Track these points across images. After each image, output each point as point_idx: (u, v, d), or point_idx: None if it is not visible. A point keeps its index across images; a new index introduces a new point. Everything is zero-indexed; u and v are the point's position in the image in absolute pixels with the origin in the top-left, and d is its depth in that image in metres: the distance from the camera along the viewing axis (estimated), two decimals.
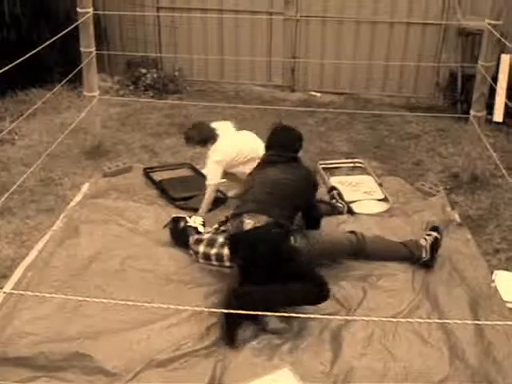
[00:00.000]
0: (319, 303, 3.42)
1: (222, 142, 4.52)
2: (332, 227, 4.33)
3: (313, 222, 4.05)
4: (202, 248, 3.92)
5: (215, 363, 3.16)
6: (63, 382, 3.01)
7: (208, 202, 4.50)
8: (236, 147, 4.56)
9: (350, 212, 4.64)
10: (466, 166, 5.42)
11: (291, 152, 3.88)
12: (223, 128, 4.66)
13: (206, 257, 3.90)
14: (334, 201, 4.68)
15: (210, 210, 4.53)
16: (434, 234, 4.03)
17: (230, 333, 3.28)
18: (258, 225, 3.41)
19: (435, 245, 3.99)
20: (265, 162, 3.89)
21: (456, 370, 3.12)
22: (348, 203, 4.70)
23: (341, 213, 4.62)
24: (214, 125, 4.64)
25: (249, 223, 3.43)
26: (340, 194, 4.73)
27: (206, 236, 3.98)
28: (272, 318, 3.30)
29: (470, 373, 3.10)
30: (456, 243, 4.19)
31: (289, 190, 3.65)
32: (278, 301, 3.39)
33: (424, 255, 3.95)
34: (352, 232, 4.01)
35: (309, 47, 7.78)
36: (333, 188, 4.82)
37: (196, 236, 3.99)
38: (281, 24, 7.74)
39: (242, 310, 2.89)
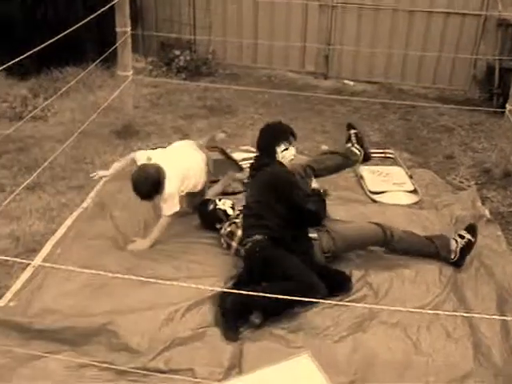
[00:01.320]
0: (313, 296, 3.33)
1: (168, 185, 3.95)
2: (359, 217, 4.29)
3: (307, 221, 3.75)
4: (234, 244, 3.91)
5: (235, 347, 3.17)
6: (87, 356, 3.05)
7: (162, 231, 4.03)
8: (181, 180, 4.08)
9: (367, 159, 4.23)
10: (498, 161, 5.33)
11: (266, 154, 3.83)
12: (159, 158, 4.05)
13: (238, 253, 3.89)
14: (349, 145, 4.21)
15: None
16: (468, 236, 3.87)
17: (227, 330, 3.28)
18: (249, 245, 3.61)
19: (467, 249, 3.86)
20: (250, 170, 4.00)
21: (480, 367, 3.08)
22: (366, 149, 4.21)
23: (355, 162, 4.20)
24: (146, 155, 4.09)
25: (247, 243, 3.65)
26: (358, 138, 4.21)
27: (239, 233, 3.92)
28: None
29: (494, 370, 3.06)
30: (485, 239, 4.13)
31: (260, 204, 3.70)
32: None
33: (452, 257, 3.86)
34: (379, 225, 3.87)
35: (344, 35, 7.70)
36: (351, 126, 4.32)
37: (228, 228, 3.98)
38: (316, 10, 7.68)
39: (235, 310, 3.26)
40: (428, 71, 7.62)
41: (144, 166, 3.94)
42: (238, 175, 4.79)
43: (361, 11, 7.56)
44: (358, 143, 4.18)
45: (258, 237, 3.60)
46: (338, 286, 3.61)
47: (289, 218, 3.62)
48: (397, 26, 7.49)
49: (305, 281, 3.39)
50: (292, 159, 3.86)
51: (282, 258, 3.51)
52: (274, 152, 3.80)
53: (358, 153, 4.16)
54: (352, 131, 4.23)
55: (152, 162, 3.97)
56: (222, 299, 3.38)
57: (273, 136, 3.84)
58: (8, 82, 6.89)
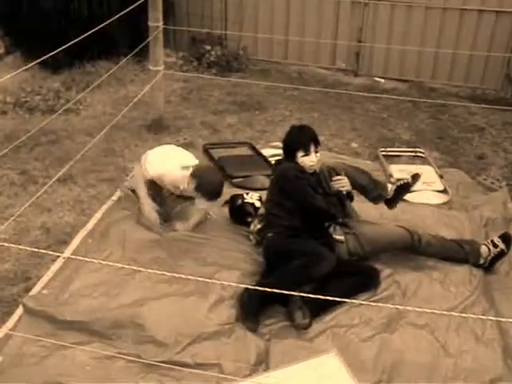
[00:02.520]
0: (322, 272, 3.43)
1: None
2: (389, 216, 4.26)
3: (314, 217, 3.74)
4: None
5: (262, 342, 3.18)
6: (115, 348, 3.09)
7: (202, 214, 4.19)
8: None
9: (389, 205, 4.00)
10: None
11: (287, 156, 3.86)
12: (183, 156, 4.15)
13: None
14: (392, 180, 4.13)
15: None
16: (502, 246, 3.80)
17: (246, 320, 3.32)
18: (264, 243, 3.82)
19: (498, 258, 3.82)
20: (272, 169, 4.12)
21: (509, 371, 3.05)
22: (396, 199, 3.97)
23: (378, 196, 3.95)
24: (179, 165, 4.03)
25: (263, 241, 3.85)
26: (403, 187, 3.94)
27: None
28: (298, 313, 3.31)
29: None
30: None
31: (271, 202, 3.84)
32: (289, 281, 3.35)
33: (481, 262, 3.82)
34: (407, 229, 3.81)
35: (375, 32, 7.63)
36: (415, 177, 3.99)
37: (258, 225, 3.98)
38: (348, 7, 7.62)
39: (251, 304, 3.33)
40: (460, 70, 7.50)
41: (204, 169, 3.95)
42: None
43: (393, 8, 7.47)
44: (398, 189, 3.95)
45: (269, 235, 3.73)
46: (366, 281, 3.61)
47: (300, 215, 3.67)
48: (429, 23, 7.38)
49: (309, 252, 3.46)
50: (312, 165, 3.78)
51: (291, 244, 3.61)
52: (294, 156, 3.80)
53: (389, 193, 3.95)
54: (409, 179, 3.95)
55: (188, 166, 3.96)
56: (241, 294, 3.42)
57: (293, 141, 3.83)
58: (41, 75, 6.97)
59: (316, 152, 3.79)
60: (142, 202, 4.08)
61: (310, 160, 3.77)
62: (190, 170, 3.91)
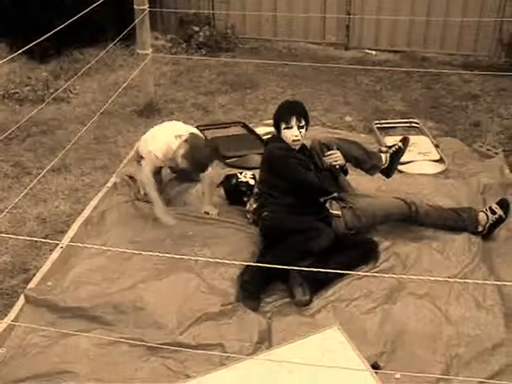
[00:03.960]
0: (321, 247, 3.45)
1: None
2: (385, 188, 4.24)
3: (306, 192, 3.72)
4: None
5: (264, 320, 3.19)
6: (118, 333, 3.08)
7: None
8: None
9: (386, 174, 4.02)
10: None
11: (276, 130, 3.85)
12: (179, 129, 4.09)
13: None
14: (383, 149, 4.09)
15: None
16: (500, 212, 3.78)
17: (246, 298, 3.33)
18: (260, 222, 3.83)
19: (497, 225, 3.80)
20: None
21: (511, 336, 3.05)
22: (392, 167, 4.00)
23: (374, 167, 3.95)
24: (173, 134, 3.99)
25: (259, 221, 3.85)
26: (397, 153, 3.97)
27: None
28: (298, 290, 3.31)
29: None
30: None
31: (263, 183, 3.87)
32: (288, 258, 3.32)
33: (480, 230, 3.81)
34: (403, 200, 3.79)
35: (364, 3, 7.55)
36: (404, 142, 4.00)
37: (254, 205, 3.95)
38: None
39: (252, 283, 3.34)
40: (452, 37, 7.43)
41: (196, 140, 3.93)
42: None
43: None
44: (392, 156, 3.97)
45: (265, 213, 3.72)
46: (365, 253, 3.61)
47: (294, 192, 3.67)
48: None
49: (307, 228, 3.47)
50: (295, 140, 3.72)
51: (288, 222, 3.60)
52: (279, 129, 3.78)
53: (384, 162, 3.96)
54: (400, 144, 3.97)
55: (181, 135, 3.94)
56: (241, 273, 3.43)
57: (277, 113, 3.82)
58: (29, 66, 6.90)
59: (301, 127, 3.72)
60: (153, 201, 4.01)
61: (291, 134, 3.71)
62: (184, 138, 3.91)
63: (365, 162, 3.93)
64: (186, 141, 3.85)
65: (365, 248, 3.63)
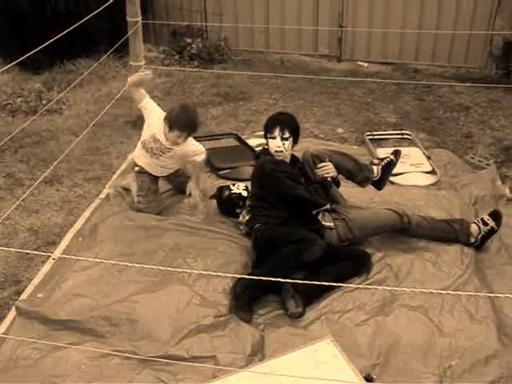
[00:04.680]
0: (314, 258, 3.43)
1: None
2: (377, 199, 4.25)
3: (298, 207, 3.74)
4: None
5: (257, 333, 3.18)
6: (110, 346, 3.06)
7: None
8: None
9: (377, 186, 4.02)
10: None
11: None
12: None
13: None
14: (375, 161, 4.10)
15: None
16: (492, 224, 3.79)
17: (239, 310, 3.31)
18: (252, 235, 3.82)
19: (489, 236, 3.81)
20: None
21: (504, 348, 3.05)
22: (384, 179, 3.99)
23: (365, 179, 3.94)
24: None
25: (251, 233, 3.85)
26: (389, 165, 3.97)
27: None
28: (291, 302, 3.30)
29: None
30: (506, 218, 4.04)
31: (254, 196, 3.89)
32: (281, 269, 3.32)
33: (472, 241, 3.82)
34: (396, 211, 3.79)
35: (356, 16, 7.60)
36: (389, 158, 4.01)
37: (247, 216, 3.96)
38: None
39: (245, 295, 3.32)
40: (443, 49, 7.49)
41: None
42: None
43: None
44: (383, 169, 3.97)
45: (257, 225, 3.71)
46: (357, 265, 3.61)
47: (285, 205, 3.67)
48: (409, 4, 7.36)
49: (299, 240, 3.45)
50: (277, 151, 3.73)
51: (280, 234, 3.60)
52: (266, 139, 3.82)
53: (375, 174, 3.96)
54: (391, 157, 3.98)
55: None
56: (233, 285, 3.42)
57: (265, 122, 3.85)
58: (22, 77, 6.91)
59: (284, 139, 3.72)
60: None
61: (274, 144, 3.73)
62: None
63: (356, 173, 3.93)
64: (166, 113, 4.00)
65: (357, 260, 3.63)
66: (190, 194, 4.24)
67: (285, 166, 3.78)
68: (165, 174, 4.32)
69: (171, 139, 3.99)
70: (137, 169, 4.24)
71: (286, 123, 3.77)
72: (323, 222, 3.74)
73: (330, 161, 3.82)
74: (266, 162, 3.76)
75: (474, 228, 3.83)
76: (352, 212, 3.83)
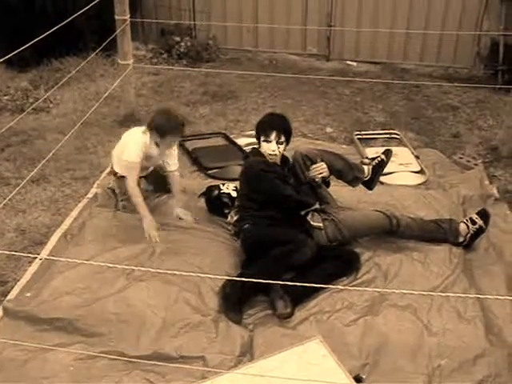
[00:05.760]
0: (303, 259, 3.44)
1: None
2: (366, 199, 4.26)
3: (289, 209, 3.74)
4: None
5: (246, 333, 3.17)
6: (98, 347, 3.04)
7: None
8: None
9: (367, 186, 4.03)
10: (505, 138, 5.27)
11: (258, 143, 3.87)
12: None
13: None
14: (366, 161, 4.10)
15: None
16: (480, 222, 3.80)
17: (228, 311, 3.30)
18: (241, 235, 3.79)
19: (477, 235, 3.82)
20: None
21: (492, 347, 3.06)
22: (374, 179, 4.01)
23: (356, 179, 3.96)
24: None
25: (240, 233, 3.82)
26: (379, 166, 3.99)
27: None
28: (280, 303, 3.28)
29: (507, 350, 3.04)
30: (494, 218, 4.07)
31: (242, 196, 3.87)
32: (270, 270, 3.33)
33: (461, 241, 3.83)
34: (385, 213, 3.79)
35: (345, 15, 7.61)
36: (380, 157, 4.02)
37: (235, 217, 3.94)
38: None
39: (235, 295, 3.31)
40: (431, 49, 7.51)
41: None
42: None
43: None
44: (374, 168, 3.98)
45: (246, 226, 3.70)
46: (346, 265, 3.61)
47: (274, 205, 3.66)
48: (398, 4, 7.38)
49: (289, 240, 3.45)
50: (271, 154, 3.72)
51: (269, 234, 3.59)
52: (259, 140, 3.79)
53: (366, 174, 3.97)
54: (382, 156, 4.00)
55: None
56: (223, 285, 3.41)
57: (258, 125, 3.82)
58: (8, 75, 6.84)
59: (279, 143, 3.72)
60: (142, 215, 3.90)
61: (268, 147, 3.72)
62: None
63: (347, 173, 3.93)
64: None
65: (346, 260, 3.63)
66: (180, 219, 4.13)
67: (275, 166, 3.77)
68: (143, 175, 4.27)
69: (165, 145, 3.94)
70: (118, 175, 4.19)
71: (283, 128, 3.76)
72: (312, 222, 3.73)
73: (323, 160, 3.82)
74: (255, 163, 3.75)
75: (462, 227, 3.84)
76: (341, 213, 3.83)
